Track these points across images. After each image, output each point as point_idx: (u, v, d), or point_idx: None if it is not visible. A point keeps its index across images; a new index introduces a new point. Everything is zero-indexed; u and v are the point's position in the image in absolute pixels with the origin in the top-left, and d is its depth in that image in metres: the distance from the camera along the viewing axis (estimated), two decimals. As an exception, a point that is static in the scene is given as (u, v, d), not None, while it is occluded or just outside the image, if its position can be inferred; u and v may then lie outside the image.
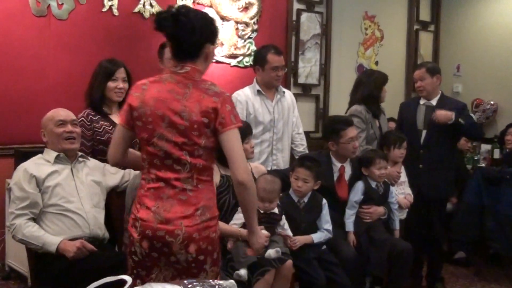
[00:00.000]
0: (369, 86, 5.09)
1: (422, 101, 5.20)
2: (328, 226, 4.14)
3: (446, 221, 5.38)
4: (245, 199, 2.80)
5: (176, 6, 2.77)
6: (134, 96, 2.79)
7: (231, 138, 2.71)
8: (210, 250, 2.76)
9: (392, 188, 4.68)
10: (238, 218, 3.72)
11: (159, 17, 2.73)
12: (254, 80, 4.83)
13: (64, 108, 3.74)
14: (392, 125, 6.05)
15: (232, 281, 2.09)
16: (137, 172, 3.72)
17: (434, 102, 5.14)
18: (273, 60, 4.69)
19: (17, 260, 4.75)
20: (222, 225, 3.85)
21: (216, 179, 3.95)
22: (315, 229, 4.11)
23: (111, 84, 3.97)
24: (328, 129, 4.67)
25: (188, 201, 2.72)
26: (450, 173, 5.20)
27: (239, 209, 3.82)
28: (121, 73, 4.01)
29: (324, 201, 4.18)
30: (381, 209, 4.53)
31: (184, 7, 2.76)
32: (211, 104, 2.67)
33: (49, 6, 4.91)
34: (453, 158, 5.22)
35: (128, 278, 1.96)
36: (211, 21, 2.82)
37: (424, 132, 5.12)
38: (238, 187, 2.76)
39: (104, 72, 3.98)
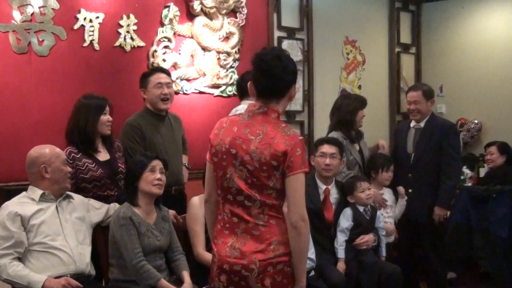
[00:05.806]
0: (342, 111, 5.07)
1: (412, 124, 5.14)
2: (311, 254, 4.07)
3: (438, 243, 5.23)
4: (295, 244, 2.77)
5: (274, 47, 2.81)
6: (214, 133, 2.89)
7: (296, 182, 2.74)
8: (285, 284, 2.78)
9: (379, 213, 4.69)
10: None
11: (267, 56, 2.84)
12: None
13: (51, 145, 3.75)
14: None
15: None
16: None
17: (422, 123, 5.07)
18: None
19: (5, 299, 4.70)
20: None
21: None
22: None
23: (103, 117, 4.02)
24: (314, 145, 4.81)
25: (260, 236, 2.76)
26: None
27: None
28: (108, 107, 4.07)
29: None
30: (371, 237, 4.53)
31: (279, 48, 2.82)
32: (282, 147, 2.72)
33: (30, 43, 4.90)
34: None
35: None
36: (295, 63, 2.91)
37: (413, 156, 5.08)
38: (291, 230, 2.75)
39: (96, 106, 4.02)
